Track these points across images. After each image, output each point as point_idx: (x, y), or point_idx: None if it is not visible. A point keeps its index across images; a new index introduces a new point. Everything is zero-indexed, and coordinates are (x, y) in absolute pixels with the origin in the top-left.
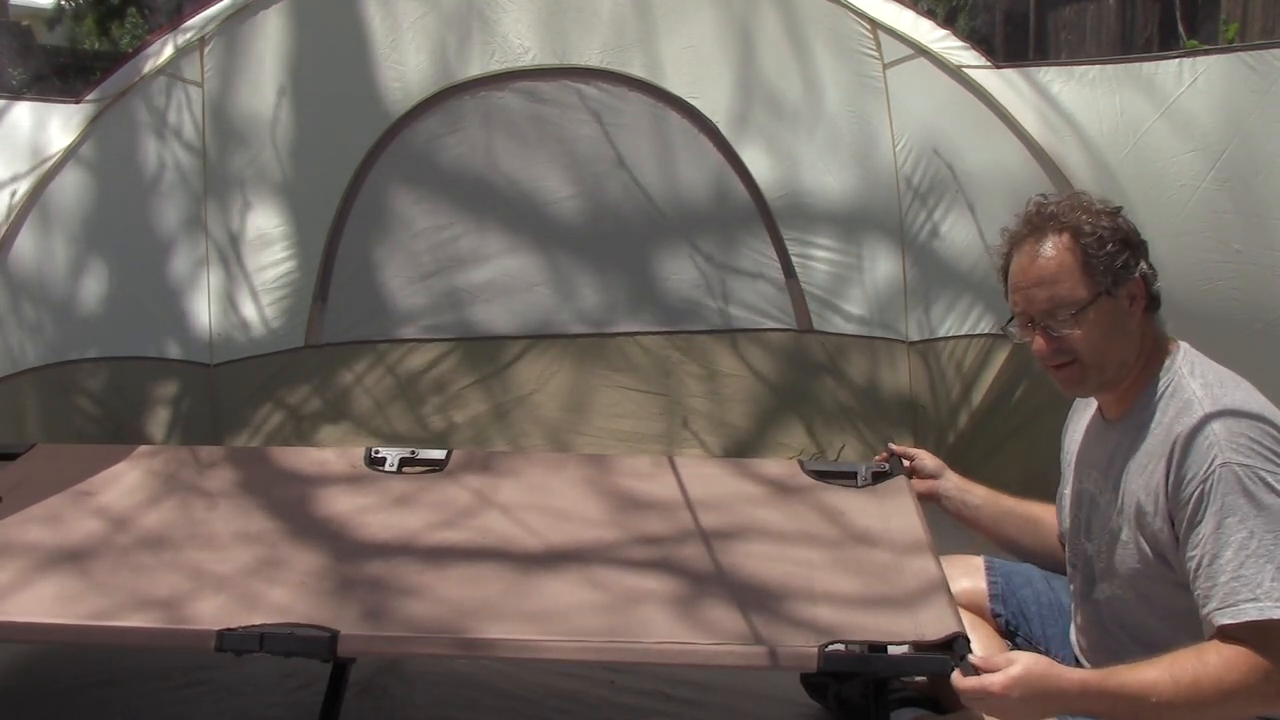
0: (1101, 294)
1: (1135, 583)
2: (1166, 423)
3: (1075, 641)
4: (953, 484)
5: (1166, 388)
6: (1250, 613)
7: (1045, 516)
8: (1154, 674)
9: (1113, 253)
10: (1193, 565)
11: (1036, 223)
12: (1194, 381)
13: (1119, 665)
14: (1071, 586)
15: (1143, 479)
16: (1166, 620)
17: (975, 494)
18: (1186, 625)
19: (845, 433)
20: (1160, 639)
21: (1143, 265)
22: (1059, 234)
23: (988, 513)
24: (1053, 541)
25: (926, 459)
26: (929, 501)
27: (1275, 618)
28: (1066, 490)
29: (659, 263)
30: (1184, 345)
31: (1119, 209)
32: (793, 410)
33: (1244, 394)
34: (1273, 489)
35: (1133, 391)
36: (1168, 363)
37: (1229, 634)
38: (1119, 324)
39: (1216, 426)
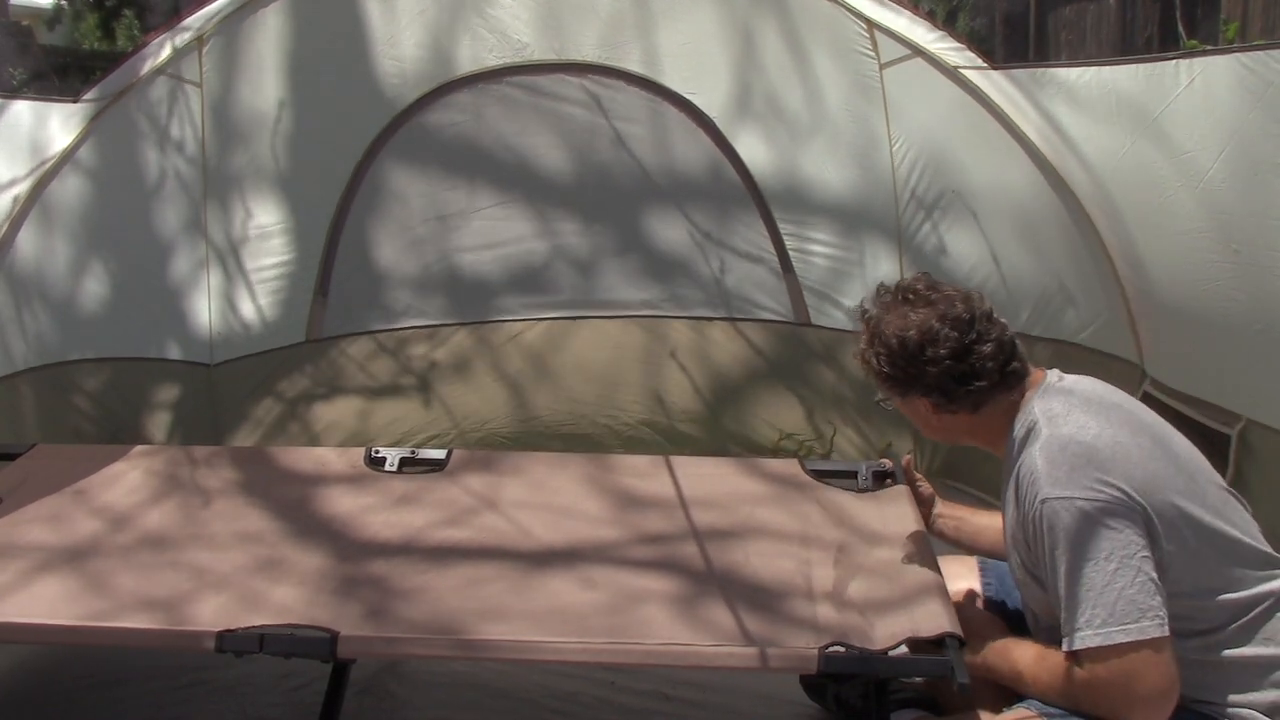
0: (891, 396)
1: (1048, 612)
2: (1019, 460)
3: None
4: (939, 509)
5: (1024, 431)
6: (1076, 642)
7: None
8: (1025, 659)
9: (882, 373)
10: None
11: (854, 315)
12: (1042, 418)
13: (1011, 644)
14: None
15: (1012, 519)
16: None
17: (954, 516)
18: None
19: (843, 423)
20: None
21: (916, 390)
22: (861, 342)
23: (966, 531)
24: None
25: (923, 488)
26: None
27: (1093, 645)
28: None
29: (656, 252)
30: (1047, 380)
31: (920, 329)
32: (787, 394)
33: (1085, 417)
34: (1087, 517)
35: (1002, 441)
36: (1026, 409)
37: (1069, 656)
38: (918, 417)
39: (1040, 462)
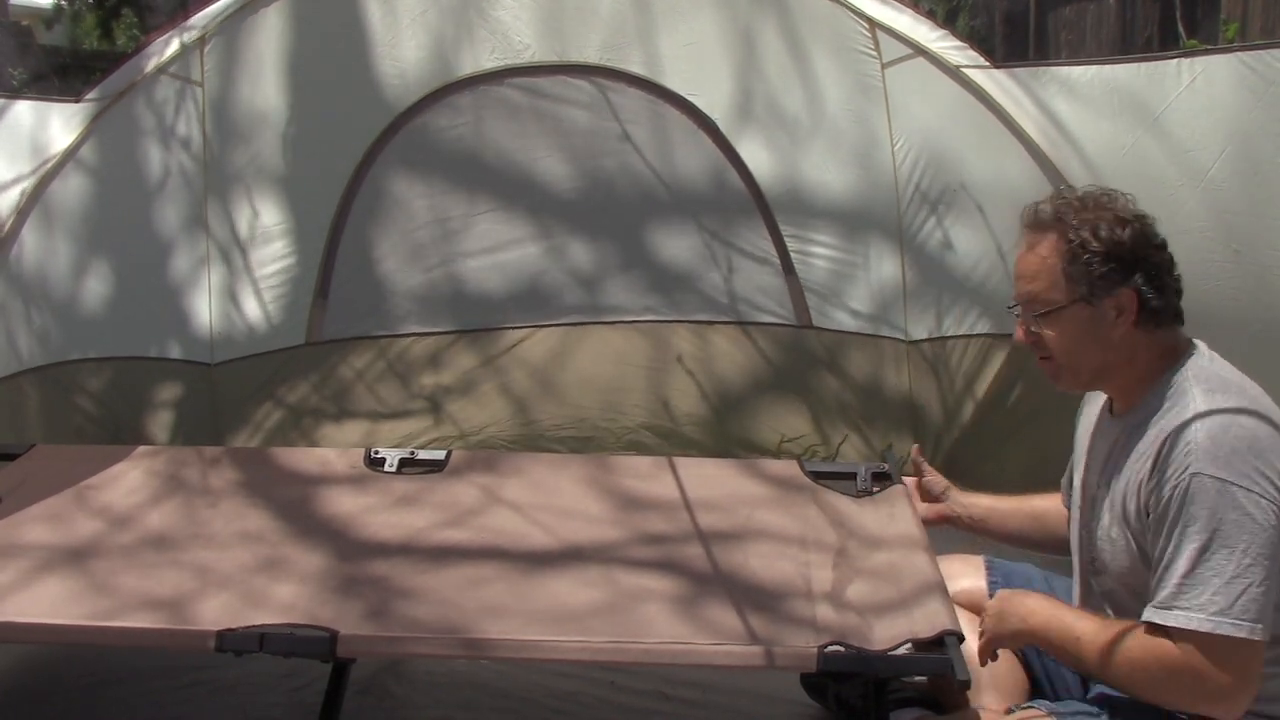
0: (1078, 300)
1: (1126, 579)
2: (1162, 424)
3: None
4: (958, 502)
5: (1170, 389)
6: (1180, 619)
7: (1049, 508)
8: (1089, 628)
9: (1091, 264)
10: (1154, 562)
11: (1041, 216)
12: (1197, 385)
13: (1067, 609)
14: (1075, 573)
15: (1132, 476)
16: None
17: (980, 505)
18: None
19: (846, 427)
20: None
21: (1137, 279)
22: (1051, 233)
23: (995, 518)
24: (1060, 530)
25: (934, 480)
26: (941, 525)
27: (1200, 629)
28: (1076, 478)
29: (658, 254)
30: (1200, 348)
31: (1137, 218)
32: (790, 396)
33: (1243, 401)
34: (1238, 505)
35: (1139, 390)
36: (1178, 365)
37: (1157, 629)
38: (1096, 332)
39: (1200, 434)
